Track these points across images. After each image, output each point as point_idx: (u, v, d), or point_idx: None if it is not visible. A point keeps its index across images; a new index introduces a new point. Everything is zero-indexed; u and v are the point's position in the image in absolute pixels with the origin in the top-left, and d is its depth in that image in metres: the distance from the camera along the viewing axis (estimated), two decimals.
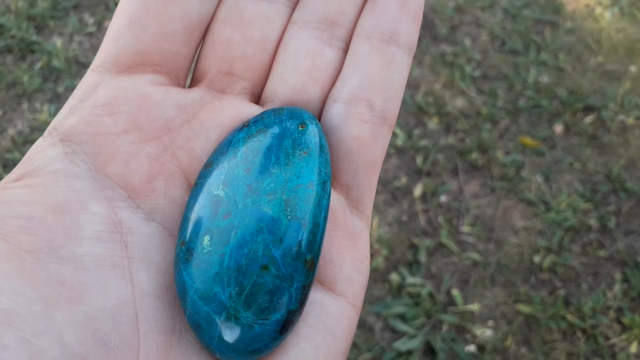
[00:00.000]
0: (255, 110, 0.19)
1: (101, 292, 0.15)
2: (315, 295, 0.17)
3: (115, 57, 0.18)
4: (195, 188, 0.17)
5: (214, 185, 0.17)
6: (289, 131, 0.18)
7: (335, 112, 0.19)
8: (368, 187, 0.19)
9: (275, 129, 0.18)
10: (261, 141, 0.18)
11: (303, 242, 0.16)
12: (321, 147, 0.18)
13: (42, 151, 0.17)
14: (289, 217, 0.16)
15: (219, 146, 0.18)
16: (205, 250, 0.16)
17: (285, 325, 0.16)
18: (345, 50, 0.20)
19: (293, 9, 0.20)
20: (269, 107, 0.20)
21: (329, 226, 0.18)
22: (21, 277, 0.14)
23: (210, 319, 0.15)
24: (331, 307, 0.17)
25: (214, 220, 0.16)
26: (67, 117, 0.17)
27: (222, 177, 0.17)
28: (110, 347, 0.14)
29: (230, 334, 0.15)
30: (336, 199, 0.19)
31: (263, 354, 0.16)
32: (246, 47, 0.19)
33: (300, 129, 0.18)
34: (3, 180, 0.17)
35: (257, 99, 0.20)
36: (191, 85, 0.20)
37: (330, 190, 0.17)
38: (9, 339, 0.13)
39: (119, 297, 0.15)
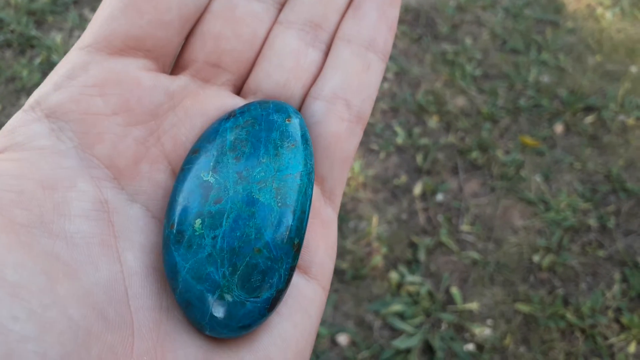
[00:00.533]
0: (238, 101, 0.20)
1: (93, 268, 0.15)
2: (294, 279, 0.19)
3: (107, 38, 0.18)
4: (183, 173, 0.18)
5: (203, 171, 0.18)
6: (276, 124, 0.19)
7: (316, 109, 0.21)
8: (340, 180, 0.21)
9: (263, 121, 0.19)
10: (249, 132, 0.19)
11: (292, 227, 0.17)
12: (306, 140, 0.19)
13: (25, 125, 0.17)
14: (279, 204, 0.17)
15: (205, 133, 0.19)
16: (197, 233, 0.17)
17: (273, 303, 0.17)
18: (326, 52, 0.22)
19: (280, 10, 0.22)
20: (251, 99, 0.21)
21: None
22: (22, 250, 0.14)
23: (203, 297, 0.16)
24: (306, 290, 0.19)
25: (205, 205, 0.17)
26: (53, 93, 0.17)
27: (211, 164, 0.18)
28: (109, 320, 0.15)
29: (222, 311, 0.16)
30: (314, 190, 0.20)
31: (250, 329, 0.17)
32: (235, 42, 0.20)
33: (286, 122, 0.19)
34: None
35: (238, 90, 0.21)
36: (174, 72, 0.20)
37: (313, 180, 0.18)
38: (18, 310, 0.13)
39: (109, 274, 0.16)
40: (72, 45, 1.30)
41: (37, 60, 1.28)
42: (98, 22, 0.18)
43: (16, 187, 0.15)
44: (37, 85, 1.23)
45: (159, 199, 0.18)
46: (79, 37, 1.36)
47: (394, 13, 0.22)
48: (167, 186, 0.18)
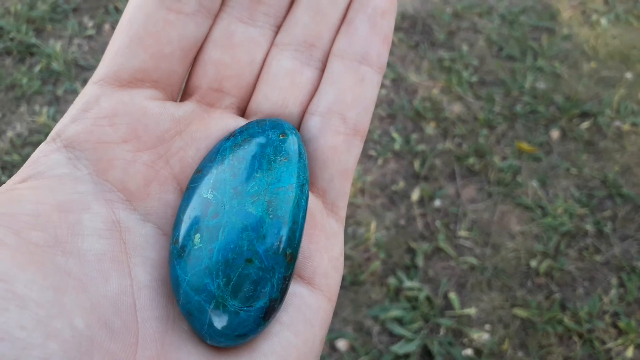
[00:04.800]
0: (240, 122, 0.21)
1: (103, 282, 0.16)
2: (296, 289, 0.19)
3: (116, 72, 0.20)
4: (187, 192, 0.19)
5: (204, 189, 0.19)
6: (271, 140, 0.20)
7: (313, 124, 0.21)
8: (342, 191, 0.21)
9: (259, 138, 0.20)
10: (246, 149, 0.20)
11: (283, 238, 0.18)
12: (300, 154, 0.20)
13: (46, 156, 0.18)
14: (271, 216, 0.18)
15: (208, 154, 0.20)
16: (196, 247, 0.18)
17: (267, 312, 0.17)
18: (322, 70, 0.22)
19: (276, 32, 0.22)
20: (253, 120, 0.22)
21: (308, 226, 0.20)
22: (34, 267, 0.15)
23: (201, 307, 0.17)
24: (310, 300, 0.19)
25: (204, 220, 0.18)
26: (70, 125, 0.19)
27: (211, 181, 0.19)
28: (114, 330, 0.16)
29: (218, 321, 0.17)
30: (314, 202, 0.21)
31: (248, 338, 0.17)
32: (235, 67, 0.22)
33: (281, 138, 0.20)
34: (9, 181, 0.18)
35: (242, 112, 0.22)
36: (183, 99, 0.22)
37: (308, 192, 0.19)
38: (26, 320, 0.14)
39: (118, 287, 0.17)
40: (72, 53, 1.31)
41: (37, 68, 1.29)
42: (108, 58, 0.20)
43: (33, 211, 0.16)
44: (36, 93, 1.24)
45: (168, 218, 0.19)
46: (78, 44, 1.37)
47: (387, 24, 0.22)
48: (176, 205, 0.19)
